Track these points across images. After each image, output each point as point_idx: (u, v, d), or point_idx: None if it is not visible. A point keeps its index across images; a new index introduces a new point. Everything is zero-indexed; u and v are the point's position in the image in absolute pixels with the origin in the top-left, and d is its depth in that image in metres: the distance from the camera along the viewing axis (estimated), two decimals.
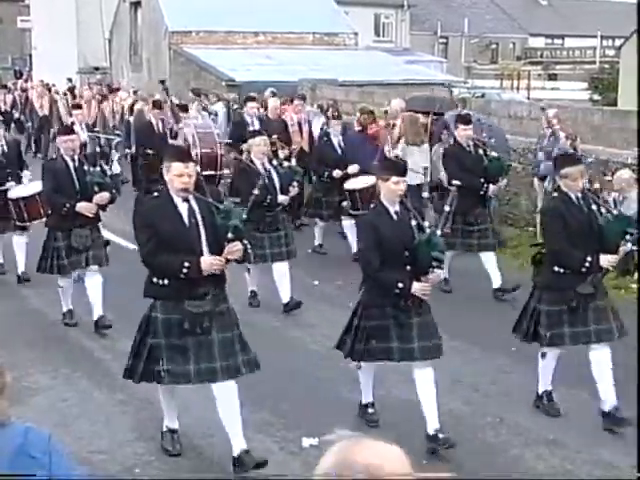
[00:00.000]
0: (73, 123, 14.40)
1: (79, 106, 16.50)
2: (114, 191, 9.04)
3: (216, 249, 5.88)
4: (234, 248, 5.88)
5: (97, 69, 36.93)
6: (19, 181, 10.59)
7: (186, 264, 5.75)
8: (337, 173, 11.79)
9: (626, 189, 11.07)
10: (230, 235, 5.86)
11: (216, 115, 18.59)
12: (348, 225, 11.56)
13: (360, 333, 6.44)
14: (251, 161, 9.31)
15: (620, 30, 40.21)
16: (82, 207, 8.69)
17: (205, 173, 10.57)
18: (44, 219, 9.69)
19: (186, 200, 5.89)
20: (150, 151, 13.16)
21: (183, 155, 6.15)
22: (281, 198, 9.29)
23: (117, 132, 14.27)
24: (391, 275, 6.21)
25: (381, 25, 45.99)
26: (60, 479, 3.12)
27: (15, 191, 10.36)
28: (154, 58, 31.29)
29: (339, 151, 12.09)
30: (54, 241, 8.84)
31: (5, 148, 10.69)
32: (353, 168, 11.78)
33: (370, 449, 2.21)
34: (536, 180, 12.84)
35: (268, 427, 6.72)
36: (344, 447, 2.14)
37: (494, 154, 10.21)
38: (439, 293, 8.68)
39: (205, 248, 5.86)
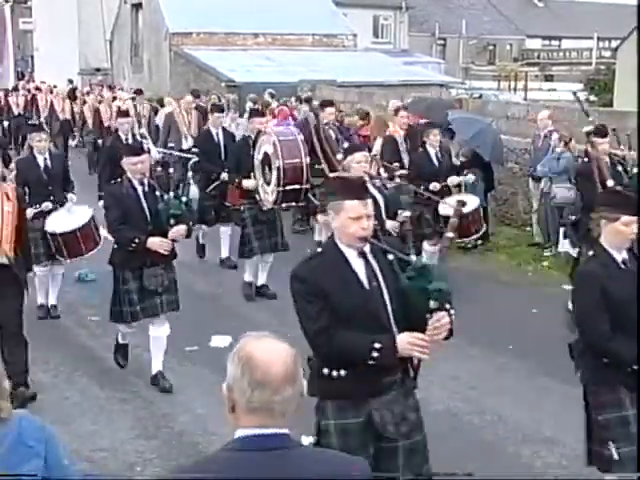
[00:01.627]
0: (116, 130, 12.62)
1: (126, 113, 13.22)
2: (191, 223, 7.49)
3: (402, 321, 4.22)
4: (438, 323, 4.11)
5: (98, 70, 36.96)
6: (62, 204, 9.31)
7: (377, 345, 4.09)
8: (434, 186, 10.04)
9: None
10: (433, 304, 4.07)
11: None
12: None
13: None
14: None
15: (616, 31, 40.19)
16: (155, 243, 7.07)
17: (289, 188, 9.24)
18: (87, 254, 8.98)
19: (362, 254, 4.23)
20: (225, 174, 10.57)
21: (359, 189, 4.28)
22: (389, 224, 7.67)
23: (194, 148, 11.95)
24: (627, 345, 4.66)
25: (380, 26, 46.00)
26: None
27: (53, 223, 9.02)
28: (155, 59, 31.29)
29: (436, 163, 10.54)
30: (123, 284, 7.23)
31: (49, 162, 9.28)
32: (452, 180, 10.60)
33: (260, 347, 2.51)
34: (531, 181, 12.84)
35: None
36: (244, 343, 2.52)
37: (635, 170, 9.54)
38: None
39: (392, 320, 4.20)
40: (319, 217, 11.01)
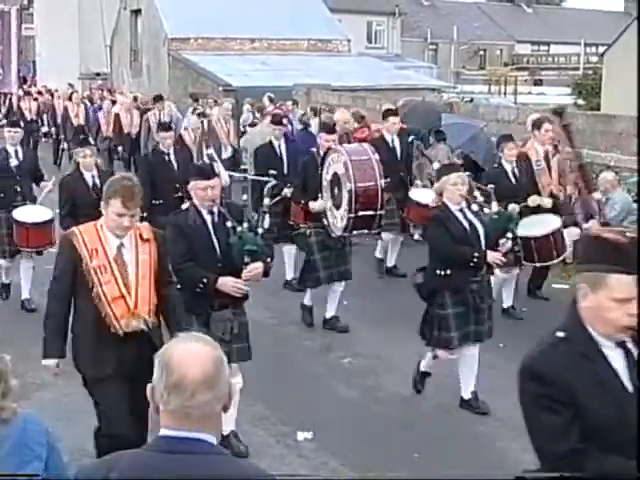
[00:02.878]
0: (155, 144, 11.31)
1: (168, 127, 10.75)
2: (269, 259, 6.16)
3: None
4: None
5: (98, 75, 36.96)
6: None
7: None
8: (513, 208, 8.29)
9: (610, 190, 11.10)
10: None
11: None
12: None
13: None
14: (445, 205, 6.77)
15: (603, 37, 40.29)
16: (227, 285, 5.91)
17: (361, 214, 8.08)
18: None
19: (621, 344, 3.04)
20: (287, 189, 9.69)
21: (631, 258, 2.97)
22: (491, 256, 6.82)
23: (271, 170, 9.61)
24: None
25: (373, 32, 46.09)
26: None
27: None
28: (154, 64, 31.27)
29: (514, 180, 9.40)
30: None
31: (97, 180, 8.54)
32: (534, 200, 9.18)
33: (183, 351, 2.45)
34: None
35: (264, 421, 6.72)
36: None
37: None
38: None
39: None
40: (384, 235, 10.50)
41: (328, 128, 9.27)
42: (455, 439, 6.39)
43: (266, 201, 7.68)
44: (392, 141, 10.62)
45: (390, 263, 11.18)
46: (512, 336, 8.33)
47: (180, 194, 8.78)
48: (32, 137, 21.61)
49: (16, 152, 9.69)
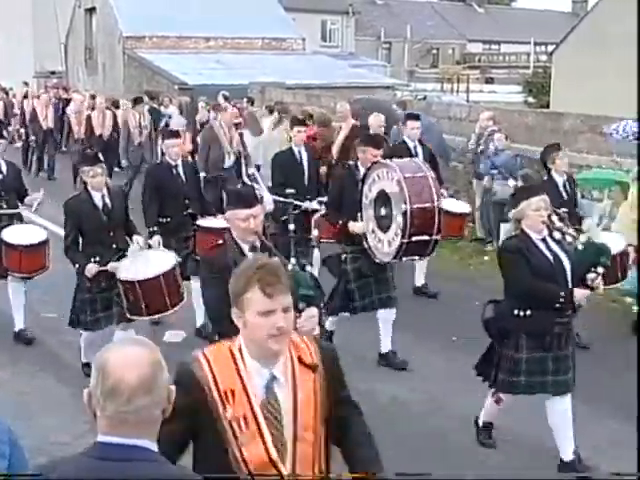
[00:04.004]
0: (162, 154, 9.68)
1: (176, 134, 9.11)
2: (322, 304, 5.07)
3: None
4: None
5: (53, 73, 36.52)
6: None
7: None
8: (589, 225, 7.28)
9: None
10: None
11: (170, 117, 18.47)
12: None
13: None
14: (525, 235, 5.80)
15: (552, 37, 40.65)
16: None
17: (415, 239, 6.93)
18: (171, 310, 7.23)
19: None
20: (309, 203, 8.92)
21: None
22: (580, 295, 5.77)
23: (289, 189, 7.92)
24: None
25: (327, 31, 46.07)
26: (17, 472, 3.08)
27: (126, 270, 7.20)
28: (109, 62, 31.03)
29: (565, 195, 8.46)
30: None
31: (108, 201, 7.33)
32: (589, 224, 7.39)
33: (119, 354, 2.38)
34: (475, 178, 12.98)
35: None
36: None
37: None
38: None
39: None
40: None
41: (376, 142, 7.78)
42: (410, 432, 6.43)
43: (315, 233, 6.96)
44: (414, 148, 9.64)
45: (419, 282, 10.20)
46: (464, 329, 8.38)
47: (189, 211, 8.43)
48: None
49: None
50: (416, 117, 10.09)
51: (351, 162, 8.06)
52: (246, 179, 9.15)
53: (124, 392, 2.29)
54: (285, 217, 8.27)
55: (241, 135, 8.41)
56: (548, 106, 27.61)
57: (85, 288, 7.22)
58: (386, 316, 7.74)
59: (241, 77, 23.42)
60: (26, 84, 28.19)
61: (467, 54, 58.53)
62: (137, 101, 17.29)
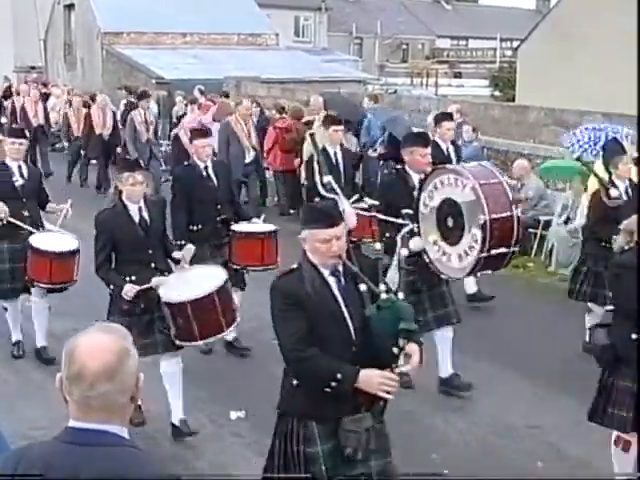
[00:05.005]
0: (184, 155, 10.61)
1: (205, 132, 8.14)
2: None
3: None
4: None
5: (33, 68, 36.15)
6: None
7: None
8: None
9: (524, 176, 11.31)
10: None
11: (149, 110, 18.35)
12: None
13: None
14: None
15: (517, 33, 40.76)
16: (372, 382, 3.83)
17: (494, 252, 5.99)
18: (226, 331, 6.20)
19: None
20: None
21: None
22: None
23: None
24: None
25: (301, 26, 45.93)
26: None
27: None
28: (88, 57, 30.80)
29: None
30: (305, 444, 3.99)
31: (146, 214, 6.22)
32: None
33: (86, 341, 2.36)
34: None
35: (198, 402, 6.68)
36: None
37: None
38: None
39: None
40: None
41: (423, 140, 6.84)
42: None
43: (403, 252, 5.45)
44: (447, 149, 8.78)
45: (471, 289, 9.10)
46: None
47: (222, 217, 7.54)
48: None
49: (20, 169, 7.53)
50: (450, 117, 9.10)
51: (398, 166, 6.97)
52: (321, 189, 6.89)
53: (87, 378, 2.29)
54: None
55: (312, 136, 7.64)
56: (514, 99, 27.70)
57: (121, 311, 6.02)
58: (444, 335, 6.81)
59: (217, 72, 23.31)
60: (7, 79, 27.91)
61: (436, 49, 58.60)
62: (142, 96, 15.66)
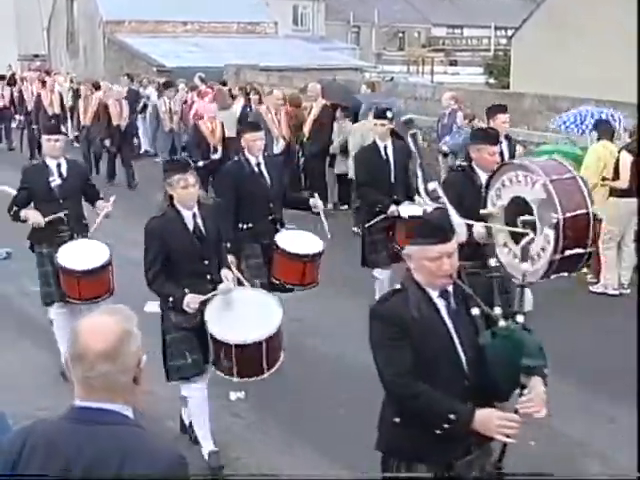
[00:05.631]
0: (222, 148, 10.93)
1: (257, 126, 7.29)
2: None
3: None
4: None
5: (37, 56, 36.07)
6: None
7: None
8: None
9: None
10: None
11: (148, 99, 18.29)
12: None
13: None
14: None
15: (511, 21, 40.56)
16: (490, 424, 3.29)
17: (569, 253, 5.43)
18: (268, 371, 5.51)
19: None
20: (395, 207, 7.43)
21: None
22: None
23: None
24: None
25: (299, 15, 45.76)
26: None
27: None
28: (90, 46, 30.72)
29: None
30: None
31: (200, 222, 5.44)
32: None
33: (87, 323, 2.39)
34: (440, 156, 12.98)
35: None
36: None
37: None
38: None
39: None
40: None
41: (491, 137, 6.31)
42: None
43: (524, 266, 4.59)
44: (500, 144, 7.59)
45: None
46: None
47: (274, 216, 6.93)
48: (4, 126, 19.93)
49: (59, 167, 6.83)
50: (505, 109, 8.06)
51: (463, 163, 6.39)
52: (424, 198, 6.10)
53: (88, 358, 2.32)
54: (371, 223, 7.35)
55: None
56: (508, 87, 27.59)
57: (176, 326, 5.38)
58: None
59: (217, 60, 23.25)
60: (10, 67, 27.80)
61: (432, 38, 58.44)
62: (167, 85, 14.86)
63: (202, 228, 5.41)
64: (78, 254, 6.55)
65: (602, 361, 6.94)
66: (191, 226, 5.38)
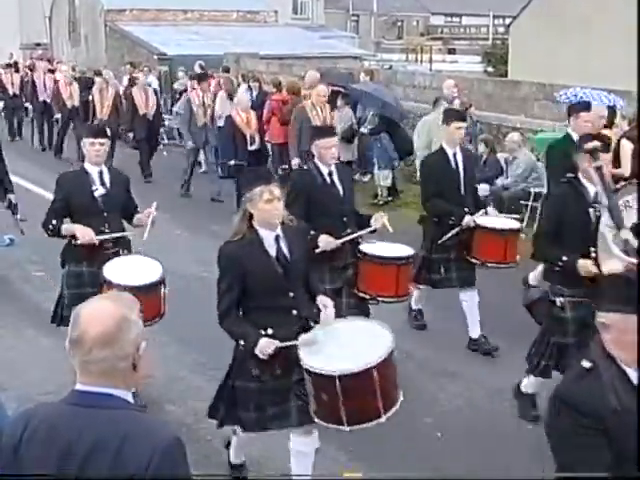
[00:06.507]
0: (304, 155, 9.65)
1: (331, 131, 6.37)
2: None
3: None
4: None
5: (39, 45, 35.94)
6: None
7: None
8: None
9: (516, 149, 11.25)
10: None
11: (149, 85, 18.23)
12: None
13: None
14: None
15: (509, 10, 40.41)
16: None
17: None
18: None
19: None
20: (469, 217, 6.76)
21: None
22: None
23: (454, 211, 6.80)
24: None
25: (299, 4, 45.45)
26: None
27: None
28: (91, 34, 30.62)
29: None
30: None
31: (285, 248, 4.53)
32: None
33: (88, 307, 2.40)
34: None
35: (200, 367, 6.69)
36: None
37: None
38: None
39: None
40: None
41: (603, 144, 5.31)
42: None
43: None
44: None
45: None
46: None
47: (349, 231, 5.98)
48: (16, 115, 19.20)
49: (101, 175, 6.02)
50: (589, 106, 7.14)
51: (570, 174, 5.40)
52: (613, 247, 5.05)
53: (86, 343, 2.33)
54: (446, 237, 6.76)
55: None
56: (506, 75, 27.52)
57: (249, 375, 4.50)
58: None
59: (217, 48, 23.17)
60: (12, 55, 27.66)
61: (430, 26, 58.29)
62: (201, 78, 13.83)
63: (287, 254, 4.44)
64: (127, 270, 5.68)
65: None
66: (273, 251, 4.42)
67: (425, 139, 10.59)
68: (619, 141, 8.94)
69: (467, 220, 6.67)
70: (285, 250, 4.44)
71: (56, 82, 17.41)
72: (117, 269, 5.63)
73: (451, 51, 53.20)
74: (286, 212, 4.50)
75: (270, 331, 4.35)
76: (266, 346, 4.27)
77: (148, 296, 5.35)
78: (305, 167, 6.34)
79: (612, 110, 9.48)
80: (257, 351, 4.28)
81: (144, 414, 2.45)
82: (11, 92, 18.98)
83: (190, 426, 5.71)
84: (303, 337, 4.28)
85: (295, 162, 11.13)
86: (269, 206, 4.31)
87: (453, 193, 6.78)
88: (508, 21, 39.66)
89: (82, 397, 2.36)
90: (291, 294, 4.45)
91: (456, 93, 12.61)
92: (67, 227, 5.92)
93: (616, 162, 8.85)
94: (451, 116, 6.99)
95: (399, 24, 57.43)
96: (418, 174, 10.23)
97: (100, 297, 2.47)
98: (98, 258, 5.81)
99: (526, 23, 27.20)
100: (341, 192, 5.95)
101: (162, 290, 5.67)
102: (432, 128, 10.16)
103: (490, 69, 40.25)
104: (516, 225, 6.66)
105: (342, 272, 6.03)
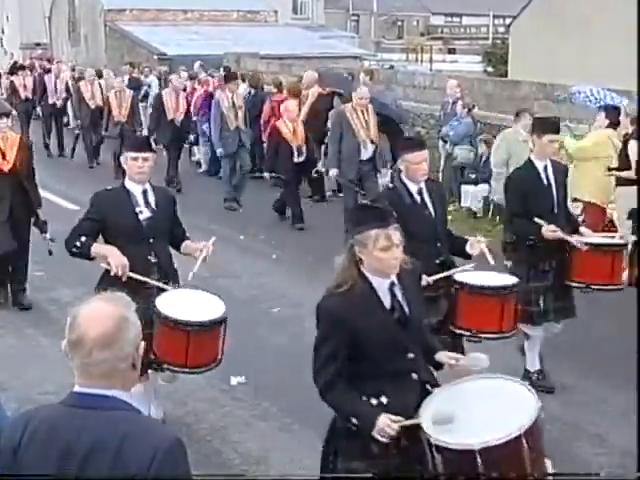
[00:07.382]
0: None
1: (419, 143, 5.51)
2: None
3: None
4: None
5: (38, 44, 35.97)
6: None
7: None
8: None
9: None
10: None
11: (149, 87, 18.24)
12: None
13: None
14: None
15: (509, 10, 40.43)
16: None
17: None
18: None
19: None
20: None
21: None
22: None
23: (538, 219, 5.86)
24: None
25: (299, 4, 45.49)
26: None
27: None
28: (91, 34, 30.63)
29: None
30: None
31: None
32: None
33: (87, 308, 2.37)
34: (441, 143, 12.96)
35: None
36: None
37: None
38: None
39: None
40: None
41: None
42: None
43: None
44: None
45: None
46: None
47: (442, 259, 5.33)
48: (27, 118, 18.15)
49: (145, 195, 5.22)
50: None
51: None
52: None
53: (86, 345, 2.31)
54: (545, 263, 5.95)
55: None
56: (506, 75, 27.53)
57: (363, 455, 3.53)
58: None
59: (217, 48, 23.20)
60: (12, 55, 27.68)
61: (430, 26, 58.29)
62: (229, 77, 13.00)
63: (404, 305, 3.58)
64: (185, 304, 4.92)
65: (600, 345, 6.94)
66: (388, 303, 3.56)
67: (504, 155, 9.80)
68: (625, 142, 8.84)
69: (574, 239, 5.84)
70: (402, 300, 3.58)
71: (77, 81, 16.76)
72: (173, 303, 4.85)
73: (451, 51, 53.20)
74: (404, 256, 3.59)
75: (384, 400, 3.50)
76: (386, 425, 3.37)
77: (210, 336, 4.85)
78: (391, 185, 5.68)
79: (617, 110, 9.45)
80: (375, 433, 3.39)
81: (143, 415, 2.45)
82: (23, 96, 17.82)
83: (190, 426, 5.71)
84: (434, 413, 3.34)
85: (333, 172, 10.28)
86: (386, 255, 3.47)
87: (544, 212, 5.88)
88: (508, 21, 39.66)
89: (81, 398, 2.35)
90: (411, 355, 3.59)
91: (459, 93, 12.62)
92: (100, 249, 5.08)
93: (622, 163, 8.76)
94: (545, 128, 6.09)
95: (399, 24, 57.43)
96: (493, 196, 10.09)
97: (95, 298, 2.43)
98: (143, 291, 4.87)
99: (526, 23, 27.21)
100: (433, 213, 5.31)
101: (223, 331, 4.92)
102: (511, 143, 9.67)
103: (490, 69, 40.28)
104: (512, 281, 5.47)
105: (434, 305, 5.16)
